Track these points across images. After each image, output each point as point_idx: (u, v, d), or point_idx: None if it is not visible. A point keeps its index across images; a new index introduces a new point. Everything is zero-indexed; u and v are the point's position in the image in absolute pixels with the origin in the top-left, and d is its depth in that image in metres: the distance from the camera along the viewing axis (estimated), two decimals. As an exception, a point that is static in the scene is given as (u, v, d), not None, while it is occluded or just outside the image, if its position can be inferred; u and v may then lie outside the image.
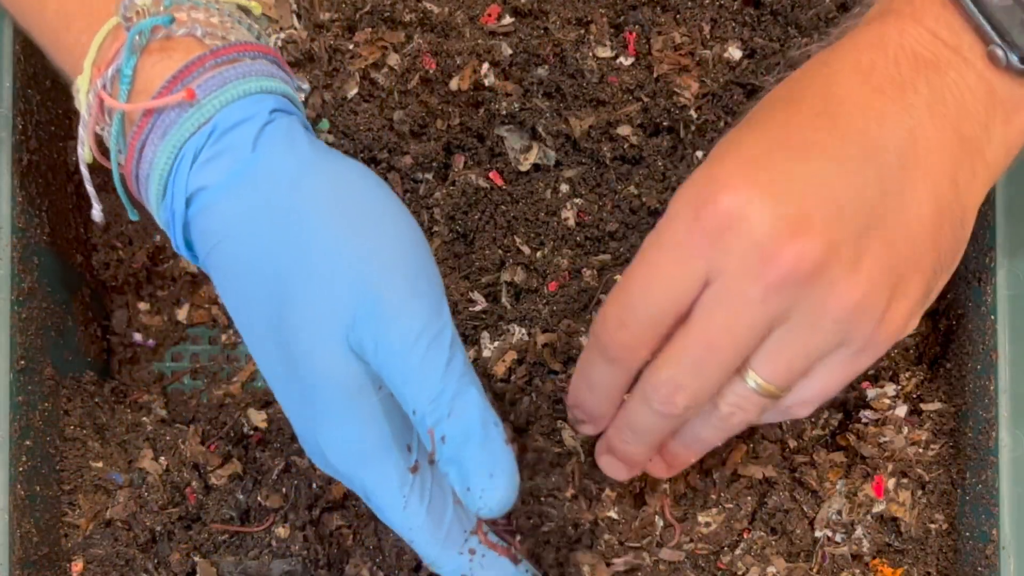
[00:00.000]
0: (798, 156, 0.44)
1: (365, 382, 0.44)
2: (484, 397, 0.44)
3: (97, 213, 0.50)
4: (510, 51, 0.64)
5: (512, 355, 0.63)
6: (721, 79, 0.64)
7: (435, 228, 0.67)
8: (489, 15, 0.64)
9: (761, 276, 0.42)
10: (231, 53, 0.44)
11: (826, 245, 0.42)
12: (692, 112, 0.64)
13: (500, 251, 0.65)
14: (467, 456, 0.42)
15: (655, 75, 0.64)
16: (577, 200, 0.65)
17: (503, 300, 0.65)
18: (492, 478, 0.42)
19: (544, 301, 0.64)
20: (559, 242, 0.65)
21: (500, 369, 0.62)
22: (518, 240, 0.65)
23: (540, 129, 0.65)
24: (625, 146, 0.65)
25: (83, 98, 0.45)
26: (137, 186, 0.47)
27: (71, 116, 0.65)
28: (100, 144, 0.47)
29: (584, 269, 0.65)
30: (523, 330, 0.63)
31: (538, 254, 0.66)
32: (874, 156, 0.44)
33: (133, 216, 0.50)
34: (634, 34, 0.64)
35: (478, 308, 0.65)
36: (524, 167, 0.65)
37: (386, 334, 0.42)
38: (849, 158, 0.43)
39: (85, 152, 0.47)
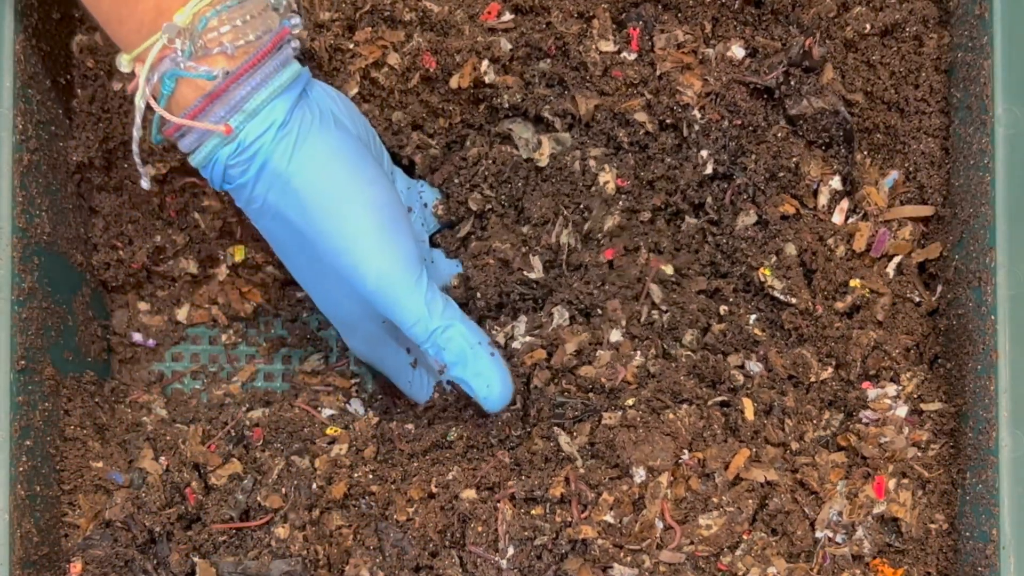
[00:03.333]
0: None
1: (377, 325, 0.63)
2: (467, 324, 0.59)
3: (146, 182, 0.61)
4: (510, 46, 0.64)
5: (541, 354, 0.62)
6: (724, 78, 0.64)
7: (490, 205, 0.66)
8: (489, 13, 0.64)
9: None
10: (253, 65, 0.55)
11: None
12: (696, 112, 0.64)
13: (552, 214, 0.65)
14: (466, 376, 0.59)
15: (658, 72, 0.64)
16: (613, 169, 0.65)
17: (560, 267, 0.65)
18: (490, 388, 0.59)
19: (600, 277, 0.64)
20: (604, 205, 0.65)
21: (527, 362, 0.62)
22: (564, 208, 0.65)
23: (546, 113, 0.64)
24: (641, 132, 0.65)
25: (124, 66, 0.56)
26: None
27: (71, 116, 0.65)
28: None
29: (642, 247, 0.65)
30: (566, 313, 0.63)
31: (586, 216, 0.65)
32: None
33: (156, 139, 0.60)
34: (637, 30, 0.64)
35: (533, 276, 0.65)
36: (543, 162, 0.65)
37: (392, 319, 0.58)
38: None
39: (137, 135, 0.58)
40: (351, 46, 0.64)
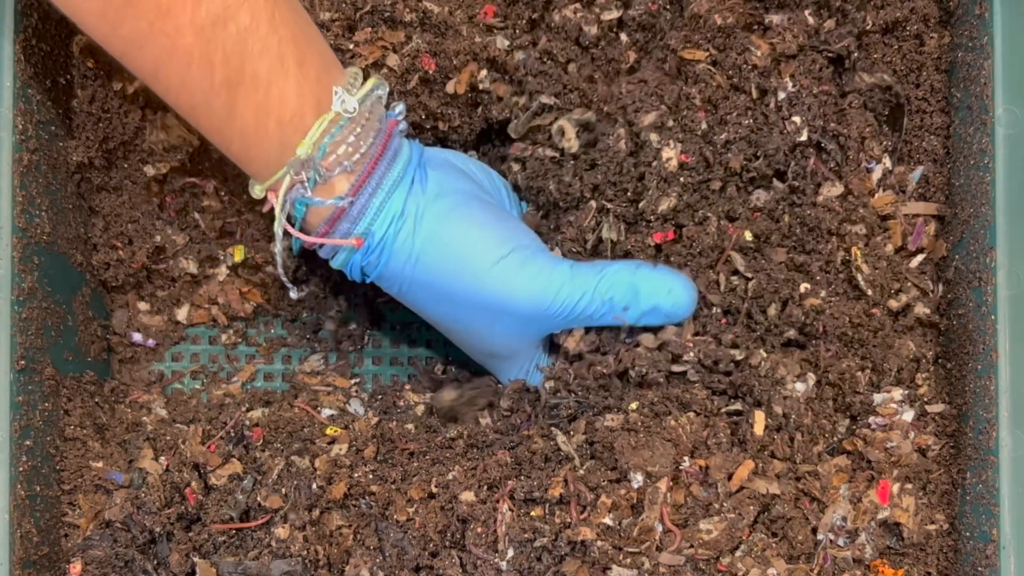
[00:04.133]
0: None
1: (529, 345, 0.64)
2: (616, 262, 0.60)
3: (294, 292, 0.66)
4: (507, 43, 0.63)
5: (580, 332, 0.62)
6: (800, 40, 0.62)
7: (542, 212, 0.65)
8: (484, 13, 0.64)
9: None
10: (368, 175, 0.58)
11: None
12: (787, 79, 0.61)
13: (594, 210, 0.62)
14: (645, 303, 0.59)
15: (718, 24, 0.61)
16: (678, 144, 0.61)
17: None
18: (671, 293, 0.59)
19: (655, 259, 0.61)
20: (663, 184, 0.61)
21: (571, 345, 0.62)
22: (605, 200, 0.62)
23: (548, 97, 0.63)
24: (713, 86, 0.61)
25: (258, 193, 0.60)
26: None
27: (71, 116, 0.65)
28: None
29: (711, 217, 0.61)
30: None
31: (638, 196, 0.62)
32: None
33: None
34: None
35: None
36: (572, 147, 0.63)
37: (561, 316, 0.60)
38: None
39: (280, 257, 0.61)
40: (351, 46, 0.64)
